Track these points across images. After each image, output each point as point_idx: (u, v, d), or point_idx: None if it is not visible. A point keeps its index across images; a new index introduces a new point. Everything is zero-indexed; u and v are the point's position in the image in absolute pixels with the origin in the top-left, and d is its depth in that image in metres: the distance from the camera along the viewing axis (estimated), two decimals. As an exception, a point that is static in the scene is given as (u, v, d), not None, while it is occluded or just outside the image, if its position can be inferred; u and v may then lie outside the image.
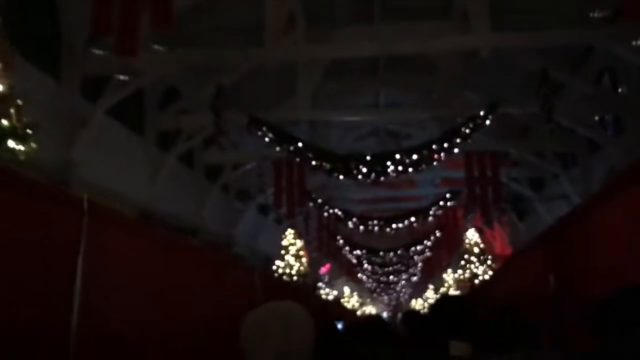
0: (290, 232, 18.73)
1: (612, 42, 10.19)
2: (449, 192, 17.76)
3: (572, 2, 10.86)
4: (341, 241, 22.67)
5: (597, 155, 16.42)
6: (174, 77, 14.10)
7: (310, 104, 14.42)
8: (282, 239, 19.02)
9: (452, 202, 17.59)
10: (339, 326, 7.93)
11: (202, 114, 13.34)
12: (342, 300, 31.55)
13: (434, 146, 10.84)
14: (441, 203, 17.59)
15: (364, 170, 10.97)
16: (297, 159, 11.58)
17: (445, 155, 10.84)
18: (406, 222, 17.36)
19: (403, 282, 30.78)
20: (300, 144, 11.21)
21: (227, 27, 12.54)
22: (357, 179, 11.44)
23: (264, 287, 4.86)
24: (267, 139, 11.14)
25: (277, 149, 11.67)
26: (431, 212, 17.49)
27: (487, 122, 10.42)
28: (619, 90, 14.42)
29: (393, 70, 17.36)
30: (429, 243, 22.45)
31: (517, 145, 17.73)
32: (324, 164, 11.10)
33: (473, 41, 10.61)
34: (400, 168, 10.87)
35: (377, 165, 10.92)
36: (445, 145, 10.63)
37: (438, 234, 22.17)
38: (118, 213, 2.70)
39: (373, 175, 11.10)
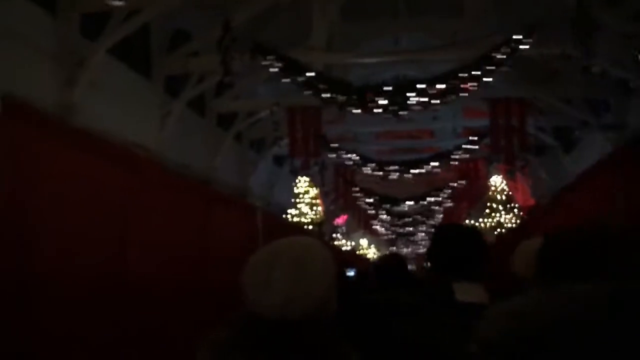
0: (304, 179, 18.08)
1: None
2: (477, 134, 16.83)
3: None
4: (358, 190, 22.01)
5: (633, 101, 15.44)
6: (182, 16, 13.31)
7: (325, 47, 13.53)
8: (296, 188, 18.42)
9: (476, 145, 16.70)
10: (351, 273, 7.40)
11: (213, 56, 12.64)
12: (358, 251, 31.25)
13: (462, 73, 9.74)
14: (464, 146, 16.68)
15: (383, 102, 10.02)
16: (309, 91, 10.55)
17: (476, 84, 9.82)
18: (427, 167, 16.46)
19: (422, 233, 30.19)
20: (310, 74, 10.26)
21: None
22: (374, 112, 10.46)
23: (269, 229, 4.25)
24: (274, 69, 10.24)
25: (286, 80, 10.75)
26: (454, 157, 16.55)
27: (523, 46, 9.28)
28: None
29: (415, 12, 16.35)
30: (449, 192, 21.69)
31: (544, 91, 16.72)
32: (337, 96, 10.17)
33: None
34: (423, 99, 9.91)
35: (397, 97, 9.95)
36: (476, 72, 9.60)
37: (459, 183, 21.41)
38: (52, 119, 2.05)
39: (393, 108, 10.16)
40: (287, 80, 10.62)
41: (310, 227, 16.80)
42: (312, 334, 1.40)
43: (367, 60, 13.91)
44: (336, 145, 17.15)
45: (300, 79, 10.10)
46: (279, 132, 19.43)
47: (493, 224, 16.31)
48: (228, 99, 16.66)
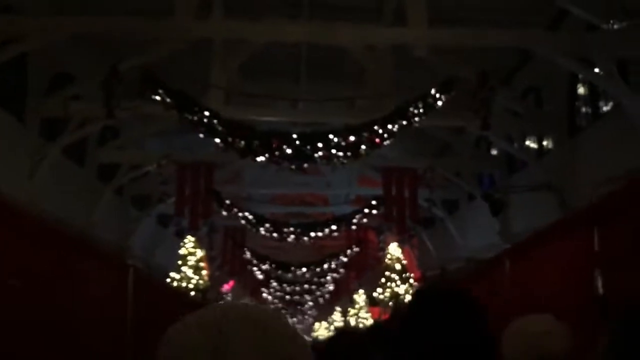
0: (189, 240, 16.91)
1: (554, 48, 9.61)
2: (373, 199, 16.70)
3: (513, 5, 10.25)
4: (249, 254, 21.04)
5: (517, 175, 16.09)
6: (65, 57, 12.22)
7: (223, 100, 12.93)
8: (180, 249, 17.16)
9: (374, 210, 16.54)
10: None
11: (98, 101, 11.62)
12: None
13: (376, 127, 9.32)
14: (366, 210, 16.46)
15: (289, 151, 9.34)
16: (201, 133, 9.61)
17: (388, 138, 9.46)
18: (327, 230, 15.96)
19: (311, 302, 29.50)
20: (207, 113, 9.40)
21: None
22: (279, 162, 9.73)
23: (142, 291, 3.43)
24: (165, 104, 9.31)
25: (179, 119, 9.79)
26: (355, 220, 16.22)
27: (439, 103, 9.12)
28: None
29: (315, 78, 16.34)
30: (344, 259, 21.31)
31: (436, 163, 17.11)
32: (237, 141, 9.37)
33: (409, 35, 9.65)
34: (333, 151, 9.36)
35: (306, 146, 9.34)
36: (389, 127, 9.25)
37: (353, 251, 21.14)
38: None
39: (299, 159, 9.50)
40: (178, 128, 9.61)
41: (193, 293, 15.52)
42: None
43: (264, 118, 13.43)
44: (229, 202, 16.22)
45: (195, 117, 9.23)
46: (166, 189, 18.33)
47: (389, 295, 15.99)
48: (112, 148, 15.43)
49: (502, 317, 3.37)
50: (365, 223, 21.06)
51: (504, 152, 16.43)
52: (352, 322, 25.76)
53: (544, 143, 14.63)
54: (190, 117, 9.21)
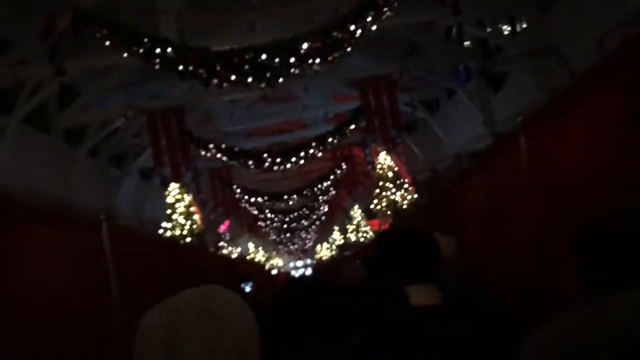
0: (174, 187, 16.49)
1: None
2: (353, 113, 16.23)
3: None
4: (239, 191, 20.72)
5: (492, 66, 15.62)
6: (3, 26, 11.33)
7: (175, 37, 12.11)
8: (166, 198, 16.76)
9: (357, 123, 16.11)
10: (247, 289, 6.31)
11: (47, 64, 10.85)
12: (247, 256, 29.99)
13: (347, 25, 8.50)
14: (348, 126, 15.99)
15: (255, 69, 8.62)
16: (156, 65, 8.84)
17: (361, 35, 8.78)
18: (309, 152, 15.48)
19: (309, 227, 29.60)
20: (156, 43, 8.57)
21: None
22: (247, 83, 9.02)
23: (125, 250, 3.07)
24: (106, 43, 8.57)
25: (125, 55, 9.06)
26: (334, 139, 15.71)
27: None
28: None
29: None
30: (333, 177, 21.07)
31: (409, 65, 16.53)
32: (196, 68, 8.66)
33: None
34: (306, 60, 8.64)
35: (273, 59, 8.62)
36: (359, 23, 8.52)
37: (340, 169, 20.90)
38: None
39: (269, 75, 8.81)
40: (127, 54, 8.73)
41: (189, 239, 15.26)
42: None
43: (224, 48, 12.67)
44: (206, 142, 15.65)
45: (144, 49, 8.46)
46: (141, 143, 17.75)
47: (386, 204, 15.80)
48: (74, 110, 14.71)
49: (523, 200, 3.06)
50: (348, 139, 20.75)
51: (477, 41, 15.90)
52: (353, 238, 25.93)
53: (517, 25, 14.10)
54: (139, 50, 8.40)
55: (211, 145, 15.13)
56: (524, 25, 13.68)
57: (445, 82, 17.54)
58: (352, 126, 15.57)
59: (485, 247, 3.48)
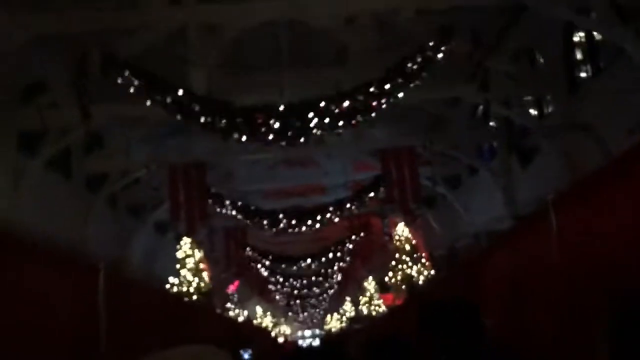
0: (185, 242, 16.29)
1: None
2: (373, 179, 16.07)
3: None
4: (251, 252, 20.44)
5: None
6: (36, 65, 11.63)
7: (203, 91, 12.29)
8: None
9: (375, 191, 15.88)
10: (246, 356, 6.01)
11: (76, 109, 11.03)
12: (254, 320, 29.31)
13: (372, 89, 8.52)
14: (370, 190, 15.79)
15: (276, 125, 8.52)
16: (178, 115, 8.81)
17: (387, 101, 8.72)
18: (325, 215, 15.24)
19: (320, 295, 28.96)
20: (181, 92, 8.62)
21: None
22: (267, 140, 8.92)
23: (120, 300, 2.91)
24: (132, 89, 8.63)
25: (148, 103, 9.08)
26: (352, 205, 15.48)
27: (440, 55, 8.22)
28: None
29: (298, 65, 15.75)
30: (350, 246, 20.71)
31: (432, 139, 16.53)
32: (217, 119, 8.62)
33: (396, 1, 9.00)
34: (327, 121, 8.57)
35: (295, 118, 8.53)
36: (387, 86, 8.48)
37: (357, 237, 20.58)
38: None
39: (289, 133, 8.71)
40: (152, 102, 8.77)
41: (195, 297, 14.92)
42: None
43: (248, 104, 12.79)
44: (221, 195, 15.53)
45: (168, 99, 8.50)
46: (159, 196, 17.78)
47: (401, 278, 15.38)
48: (98, 157, 14.85)
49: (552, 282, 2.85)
50: (367, 208, 20.57)
51: (502, 121, 15.92)
52: (365, 310, 25.27)
53: (544, 107, 14.10)
54: (163, 99, 8.44)
55: (228, 202, 15.03)
56: (551, 109, 13.66)
57: (468, 159, 17.42)
58: (372, 194, 15.36)
59: (506, 328, 3.24)
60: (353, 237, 20.84)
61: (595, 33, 10.89)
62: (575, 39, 11.90)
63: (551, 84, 12.64)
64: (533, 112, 14.58)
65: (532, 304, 3.11)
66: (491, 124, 16.43)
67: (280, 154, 19.09)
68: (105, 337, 2.79)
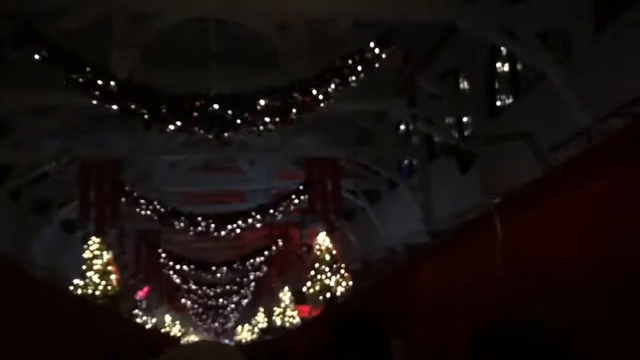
0: (94, 242, 15.44)
1: (475, 22, 9.27)
2: (301, 185, 15.84)
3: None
4: (164, 256, 19.63)
5: (434, 163, 15.92)
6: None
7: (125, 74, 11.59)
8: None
9: (299, 199, 15.70)
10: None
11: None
12: (162, 329, 28.23)
13: (309, 87, 7.98)
14: (293, 196, 15.56)
15: (205, 118, 8.06)
16: (94, 99, 8.07)
17: (322, 101, 8.51)
18: (247, 220, 14.88)
19: (233, 305, 28.32)
20: (98, 72, 7.93)
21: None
22: (193, 131, 8.40)
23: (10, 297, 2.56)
24: (48, 60, 7.85)
25: (64, 82, 8.37)
26: (281, 209, 15.21)
27: (377, 63, 8.09)
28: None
29: (227, 66, 15.39)
30: (267, 254, 20.33)
31: (357, 151, 16.60)
32: (140, 106, 8.03)
33: (331, 9, 8.93)
34: (261, 117, 8.20)
35: (225, 109, 8.11)
36: (322, 87, 8.26)
37: (278, 245, 20.30)
38: None
39: (218, 125, 8.27)
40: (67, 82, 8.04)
41: (101, 301, 14.10)
42: None
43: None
44: (137, 195, 14.79)
45: (85, 78, 7.81)
46: (68, 193, 16.78)
47: (319, 288, 15.19)
48: (4, 147, 13.79)
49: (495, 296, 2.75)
50: (287, 218, 20.36)
51: (424, 139, 16.25)
52: (278, 322, 24.95)
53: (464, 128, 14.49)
54: (80, 78, 7.76)
55: (143, 201, 14.36)
56: (471, 131, 14.07)
57: (389, 174, 17.66)
58: (295, 200, 15.16)
59: (435, 345, 3.12)
60: (270, 246, 20.54)
61: (517, 59, 11.32)
62: (498, 65, 12.34)
63: (473, 107, 13.02)
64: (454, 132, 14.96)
65: (459, 318, 3.00)
66: (413, 140, 16.74)
67: (202, 156, 18.61)
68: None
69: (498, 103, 12.66)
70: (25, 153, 14.63)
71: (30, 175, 15.13)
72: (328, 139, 17.56)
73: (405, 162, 18.40)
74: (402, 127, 17.61)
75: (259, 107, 8.04)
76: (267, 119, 8.23)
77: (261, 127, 8.40)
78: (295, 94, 8.11)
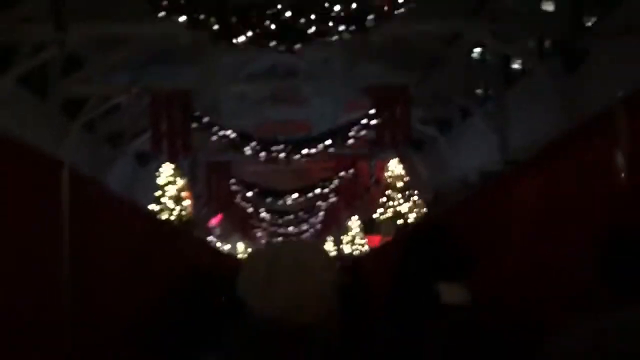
0: (167, 167, 15.66)
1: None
2: (369, 113, 15.39)
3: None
4: (235, 184, 19.88)
5: (513, 88, 15.06)
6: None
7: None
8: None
9: (372, 122, 15.20)
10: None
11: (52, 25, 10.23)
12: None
13: None
14: (364, 121, 15.15)
15: (273, 27, 7.70)
16: (162, 11, 7.79)
17: (401, 5, 7.92)
18: (320, 145, 14.68)
19: (302, 234, 28.77)
20: None
21: None
22: (264, 42, 8.07)
23: (87, 202, 2.43)
24: None
25: None
26: (351, 133, 14.90)
27: None
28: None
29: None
30: (336, 182, 20.22)
31: (426, 77, 15.90)
32: (207, 18, 7.81)
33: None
34: (331, 23, 7.75)
35: (300, 18, 7.74)
36: None
37: (346, 174, 20.13)
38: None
39: (288, 37, 7.91)
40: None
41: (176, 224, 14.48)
42: (315, 338, 1.37)
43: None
44: (208, 120, 14.77)
45: None
46: (140, 124, 17.08)
47: (391, 215, 14.99)
48: (77, 81, 14.05)
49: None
50: (354, 151, 20.08)
51: (500, 63, 15.35)
52: (347, 249, 25.15)
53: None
54: None
55: (214, 128, 14.37)
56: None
57: (462, 101, 16.89)
58: (364, 125, 14.69)
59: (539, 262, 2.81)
60: (339, 175, 20.42)
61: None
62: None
63: (556, 26, 12.01)
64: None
65: (570, 232, 2.64)
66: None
67: (268, 86, 18.43)
68: (67, 261, 2.32)
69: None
70: (97, 86, 14.88)
71: (103, 107, 15.42)
72: (396, 66, 16.91)
73: (479, 89, 17.56)
74: (477, 50, 16.65)
75: (333, 14, 7.55)
76: (342, 28, 7.73)
77: (335, 37, 7.94)
78: (371, -1, 7.51)
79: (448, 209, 4.87)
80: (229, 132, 14.60)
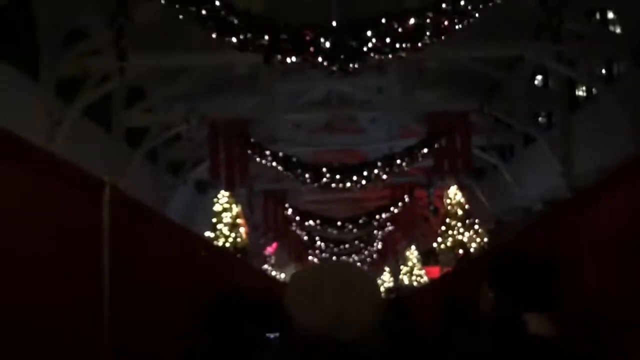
0: (223, 195, 15.80)
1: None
2: (425, 139, 15.04)
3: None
4: (290, 212, 19.86)
5: (580, 112, 14.49)
6: (78, 15, 11.25)
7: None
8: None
9: (428, 149, 14.82)
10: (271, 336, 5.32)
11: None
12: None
13: (444, 5, 7.17)
14: (420, 149, 14.80)
15: (327, 45, 7.54)
16: (212, 32, 7.78)
17: (461, 22, 7.70)
18: (375, 171, 14.40)
19: (359, 263, 28.39)
20: (218, 3, 7.66)
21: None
22: (316, 62, 7.92)
23: (127, 222, 2.35)
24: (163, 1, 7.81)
25: (180, 17, 8.23)
26: (406, 159, 14.55)
27: None
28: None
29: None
30: (394, 211, 19.86)
31: (487, 103, 15.47)
32: (259, 37, 7.77)
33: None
34: (387, 41, 7.54)
35: (349, 37, 7.57)
36: (462, 3, 7.36)
37: (405, 201, 19.73)
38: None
39: (341, 56, 7.74)
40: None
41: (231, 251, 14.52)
42: (360, 356, 1.35)
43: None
44: (262, 147, 14.87)
45: (202, 11, 7.59)
46: (200, 153, 17.37)
47: (451, 244, 14.53)
48: (139, 110, 14.46)
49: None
50: (411, 179, 19.69)
51: (563, 87, 14.81)
52: (406, 280, 24.57)
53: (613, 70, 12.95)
54: (198, 11, 7.54)
55: (269, 154, 14.42)
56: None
57: (523, 127, 16.35)
58: (420, 152, 14.41)
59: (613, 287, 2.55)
60: (396, 203, 20.05)
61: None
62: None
63: (625, 46, 11.50)
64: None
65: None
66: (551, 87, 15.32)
67: (323, 114, 18.43)
68: (107, 283, 2.22)
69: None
70: (157, 116, 15.27)
71: (163, 137, 15.79)
72: (453, 93, 16.59)
73: (542, 115, 16.98)
74: (539, 77, 16.16)
75: (387, 31, 7.36)
76: (397, 45, 7.53)
77: (390, 55, 7.75)
78: (429, 14, 7.30)
79: (518, 235, 4.59)
80: (284, 160, 14.57)
